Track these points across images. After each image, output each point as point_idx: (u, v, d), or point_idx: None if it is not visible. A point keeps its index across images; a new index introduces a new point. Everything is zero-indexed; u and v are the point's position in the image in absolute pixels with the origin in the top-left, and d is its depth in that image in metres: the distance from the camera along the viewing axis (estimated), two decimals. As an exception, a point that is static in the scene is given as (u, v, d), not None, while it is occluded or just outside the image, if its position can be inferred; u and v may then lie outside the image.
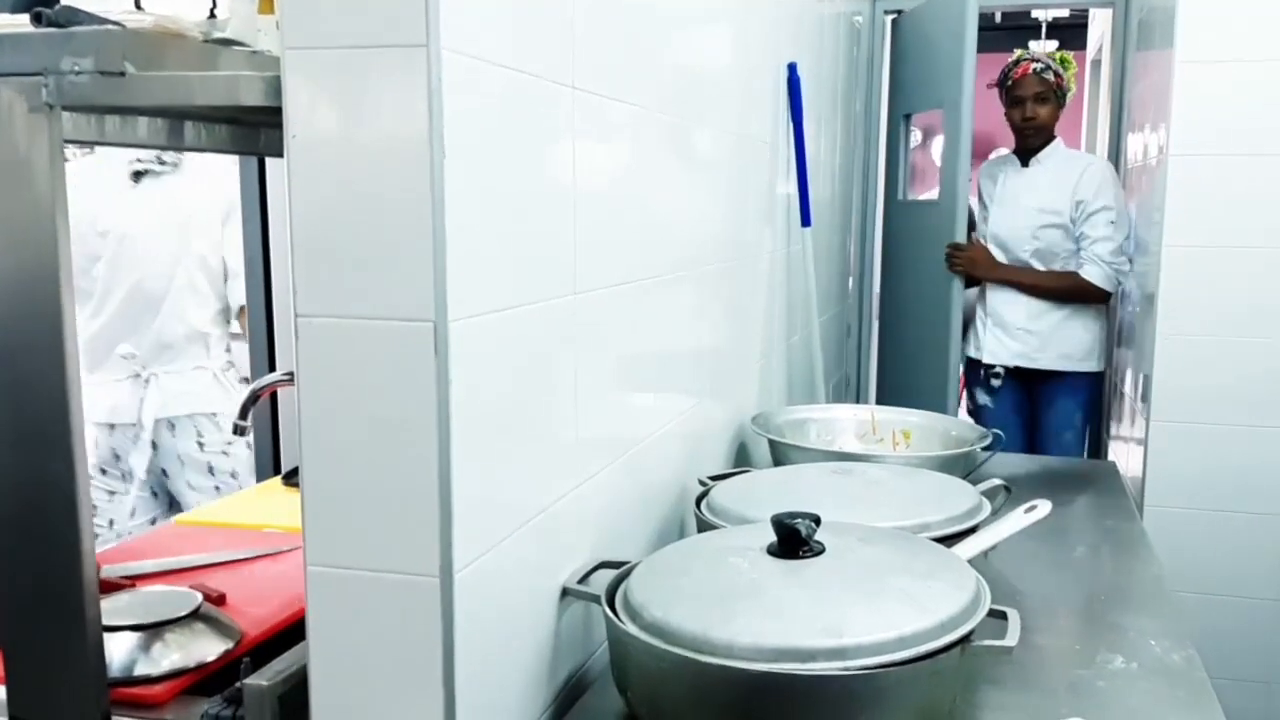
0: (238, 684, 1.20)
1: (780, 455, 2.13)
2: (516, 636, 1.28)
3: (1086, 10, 4.62)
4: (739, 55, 2.23)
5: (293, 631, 1.40)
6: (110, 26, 1.09)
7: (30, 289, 1.13)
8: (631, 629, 1.24)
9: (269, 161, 2.45)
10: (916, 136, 4.35)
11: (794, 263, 2.83)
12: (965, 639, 1.19)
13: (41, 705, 1.20)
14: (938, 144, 4.10)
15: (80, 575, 1.16)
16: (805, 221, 2.79)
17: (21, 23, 1.13)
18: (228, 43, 1.25)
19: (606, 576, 1.40)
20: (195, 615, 1.36)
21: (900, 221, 4.20)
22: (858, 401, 4.20)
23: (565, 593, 1.39)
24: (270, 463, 2.43)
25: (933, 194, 4.06)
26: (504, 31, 1.16)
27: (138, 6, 1.21)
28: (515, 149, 1.21)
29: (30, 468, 1.17)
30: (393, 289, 1.05)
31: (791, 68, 2.60)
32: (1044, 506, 1.56)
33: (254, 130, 1.68)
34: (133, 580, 1.54)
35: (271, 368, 2.48)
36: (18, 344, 1.15)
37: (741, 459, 2.32)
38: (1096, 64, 4.79)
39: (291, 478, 2.08)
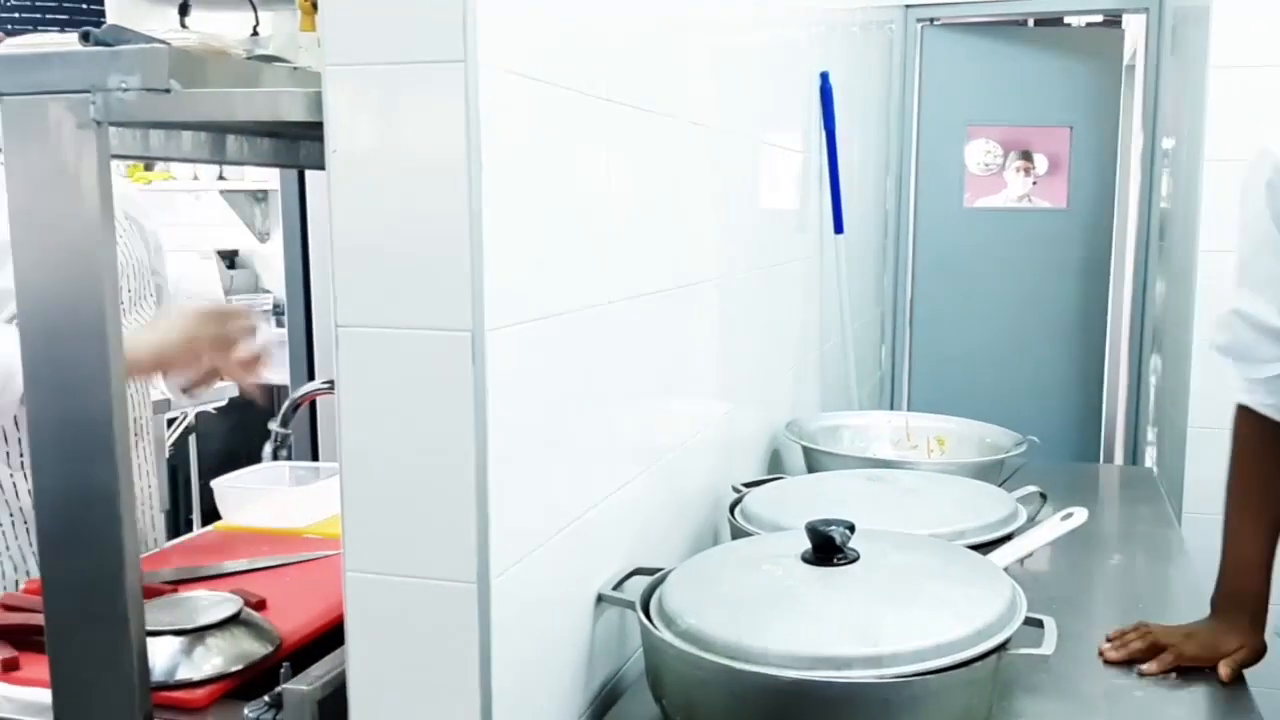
0: (278, 689, 1.22)
1: (814, 462, 2.14)
2: (552, 642, 1.29)
3: (1119, 15, 4.59)
4: (771, 65, 2.24)
5: (331, 636, 1.42)
6: (156, 45, 1.11)
7: (77, 298, 1.16)
8: (667, 636, 1.25)
9: (309, 174, 2.48)
10: (991, 147, 4.35)
11: (827, 270, 2.83)
12: (1001, 647, 1.20)
13: (86, 708, 1.22)
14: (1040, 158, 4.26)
15: (124, 580, 1.19)
16: (838, 229, 2.80)
17: (70, 41, 1.15)
18: (269, 59, 1.28)
19: (641, 583, 1.41)
20: (236, 620, 1.38)
21: (966, 228, 4.24)
22: (892, 407, 4.19)
23: (600, 599, 1.40)
24: (309, 470, 2.45)
25: (1035, 203, 4.16)
26: (539, 46, 1.18)
27: (183, 25, 1.23)
28: (549, 161, 1.23)
29: (75, 473, 1.19)
30: (431, 299, 1.07)
31: (824, 76, 2.61)
32: (1080, 514, 1.56)
33: (294, 144, 1.71)
34: (174, 585, 1.56)
35: (310, 376, 2.51)
36: (64, 352, 1.17)
37: (775, 466, 2.33)
38: (1130, 69, 4.76)
39: (329, 485, 2.10)
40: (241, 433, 4.43)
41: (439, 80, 1.04)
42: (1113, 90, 4.24)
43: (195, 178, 4.91)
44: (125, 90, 1.10)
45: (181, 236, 5.05)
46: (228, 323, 1.74)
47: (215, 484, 2.04)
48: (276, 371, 2.97)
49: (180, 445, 4.14)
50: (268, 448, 4.81)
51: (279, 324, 4.49)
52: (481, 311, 1.07)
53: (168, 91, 1.10)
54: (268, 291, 5.09)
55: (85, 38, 1.13)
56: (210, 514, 4.21)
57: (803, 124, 2.51)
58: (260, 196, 5.11)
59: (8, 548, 1.83)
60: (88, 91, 1.11)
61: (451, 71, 1.03)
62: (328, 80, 1.06)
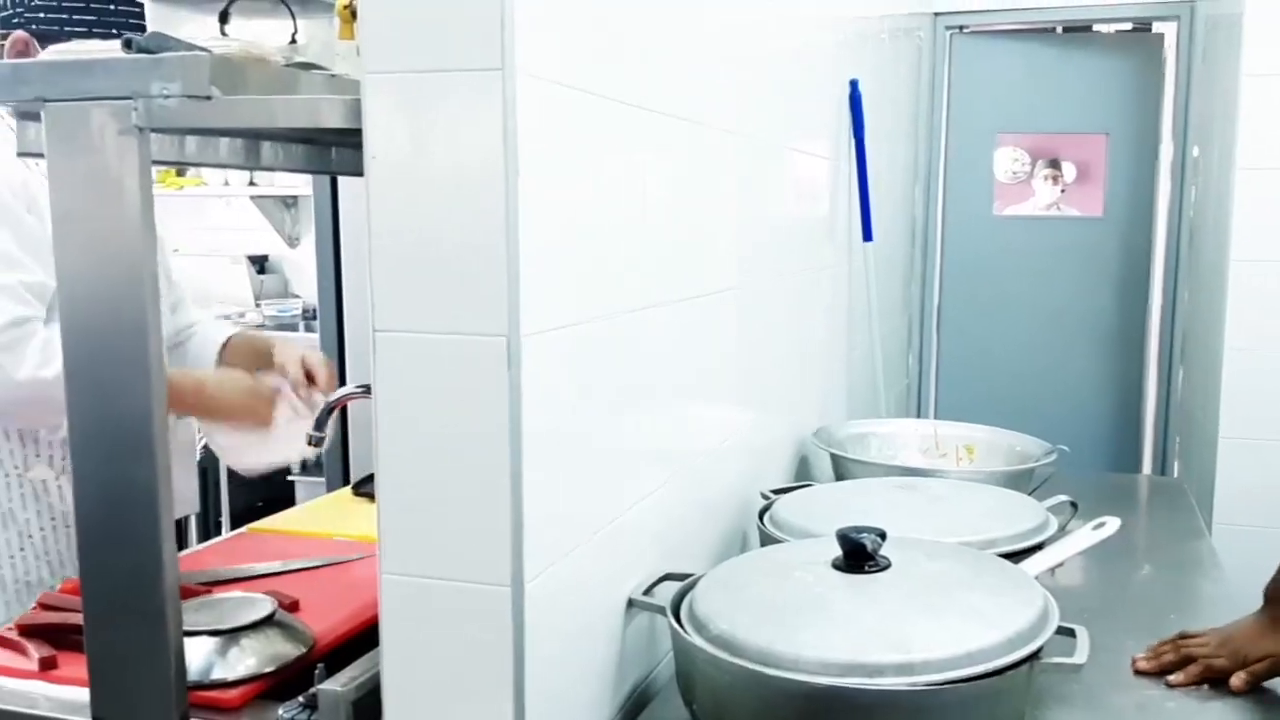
0: (313, 689, 1.23)
1: (842, 470, 2.14)
2: (584, 646, 1.30)
3: (1150, 23, 4.56)
4: (802, 73, 2.24)
5: (363, 638, 1.43)
6: (198, 52, 1.13)
7: (118, 301, 1.18)
8: (697, 641, 1.25)
9: (341, 179, 2.49)
10: (1019, 155, 4.34)
11: (855, 277, 2.83)
12: (1034, 656, 1.19)
13: (123, 707, 1.24)
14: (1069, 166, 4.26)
15: (162, 579, 1.20)
16: (867, 236, 2.80)
17: (113, 49, 1.17)
18: (307, 66, 1.29)
19: (671, 588, 1.42)
20: (270, 621, 1.39)
21: (995, 237, 4.24)
22: (918, 414, 4.18)
23: (631, 604, 1.41)
24: (340, 473, 2.46)
25: (1063, 211, 4.19)
26: (573, 54, 1.18)
27: (223, 33, 1.25)
28: (583, 167, 1.23)
29: (115, 473, 1.21)
30: (467, 304, 1.08)
31: (853, 84, 2.61)
32: (1113, 523, 1.55)
33: (327, 150, 1.73)
34: (208, 586, 1.58)
35: (342, 381, 2.52)
36: (105, 354, 1.19)
37: (803, 473, 2.33)
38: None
39: (360, 487, 2.11)
40: (270, 437, 4.46)
41: (477, 88, 1.05)
42: (1152, 96, 4.17)
43: (226, 183, 4.94)
44: (167, 97, 1.12)
45: (212, 241, 5.09)
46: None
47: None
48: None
49: (209, 449, 4.16)
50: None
51: (309, 329, 4.52)
52: (517, 317, 1.08)
53: (209, 98, 1.12)
54: (297, 296, 5.11)
55: (128, 45, 1.15)
56: (238, 517, 4.25)
57: (832, 131, 2.51)
58: (290, 202, 5.15)
59: (47, 551, 1.85)
60: (130, 98, 1.13)
61: (489, 79, 1.04)
62: (367, 88, 1.07)
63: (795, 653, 1.17)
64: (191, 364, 2.02)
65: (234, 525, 4.05)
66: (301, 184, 4.63)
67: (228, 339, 2.05)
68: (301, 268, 5.13)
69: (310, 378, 1.87)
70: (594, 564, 1.30)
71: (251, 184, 4.90)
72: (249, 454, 1.87)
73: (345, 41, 1.26)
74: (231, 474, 4.42)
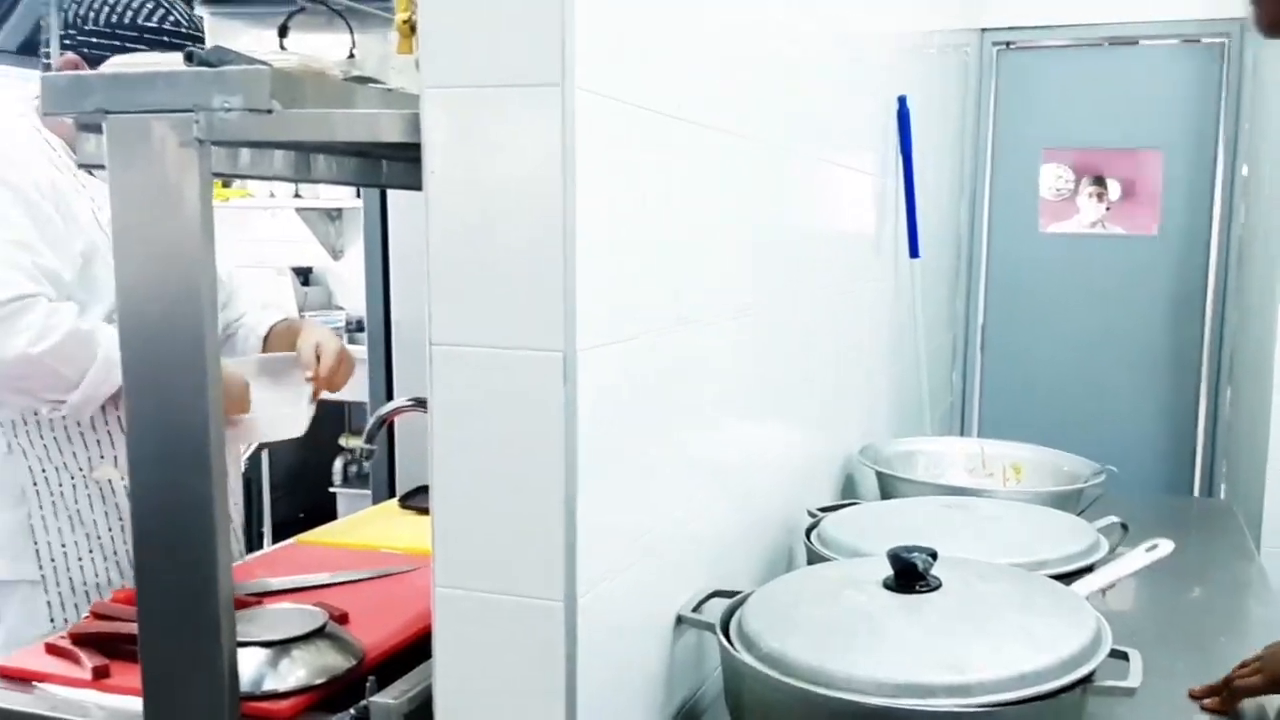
0: (364, 702, 1.24)
1: (888, 488, 2.13)
2: (634, 662, 1.30)
3: (1198, 39, 4.52)
4: (851, 89, 2.24)
5: (411, 651, 1.43)
6: (259, 66, 1.14)
7: (177, 312, 1.18)
8: (747, 659, 1.24)
9: (390, 192, 2.51)
10: (1062, 171, 4.30)
11: (901, 293, 2.82)
12: (1087, 679, 1.18)
13: (176, 717, 1.24)
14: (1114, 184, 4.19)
15: (217, 588, 1.21)
16: (913, 253, 2.78)
17: (175, 62, 1.18)
18: (363, 80, 1.30)
19: (719, 605, 1.41)
20: (321, 633, 1.39)
21: (1041, 253, 4.21)
22: (962, 433, 4.15)
23: (680, 620, 1.40)
24: (385, 484, 2.48)
25: (1108, 229, 4.15)
26: (629, 70, 1.19)
27: (282, 47, 1.26)
28: (638, 183, 1.24)
29: (172, 483, 1.21)
30: (524, 319, 1.08)
31: (901, 100, 2.60)
32: (1166, 545, 1.53)
33: (378, 163, 1.74)
34: (258, 597, 1.59)
35: (389, 392, 2.53)
36: (164, 363, 1.20)
37: (848, 490, 2.32)
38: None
39: (407, 500, 2.12)
40: (313, 449, 4.50)
41: (536, 103, 1.05)
42: (1209, 110, 4.04)
43: (272, 195, 4.99)
44: (228, 110, 1.13)
45: (257, 253, 5.13)
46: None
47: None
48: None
49: (253, 460, 4.20)
50: (339, 463, 4.88)
51: (352, 340, 4.55)
52: (574, 332, 1.08)
53: (269, 112, 1.12)
54: (341, 308, 5.15)
55: (190, 58, 1.16)
56: (279, 527, 4.28)
57: (879, 147, 2.51)
58: (335, 214, 5.18)
59: (115, 552, 1.87)
60: (191, 110, 1.14)
61: (548, 94, 1.05)
62: (426, 102, 1.08)
63: (848, 672, 1.16)
64: (239, 354, 2.05)
65: (276, 536, 4.09)
66: (346, 196, 4.66)
67: (270, 328, 2.10)
68: (346, 280, 5.16)
69: (319, 360, 1.90)
70: (644, 580, 1.30)
71: (297, 196, 4.94)
72: (247, 431, 1.90)
73: (402, 56, 1.27)
74: (274, 485, 4.46)
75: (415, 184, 1.11)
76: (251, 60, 1.17)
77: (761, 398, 1.75)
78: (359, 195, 3.79)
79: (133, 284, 1.20)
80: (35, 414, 1.81)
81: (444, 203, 1.09)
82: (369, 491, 3.62)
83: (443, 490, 1.13)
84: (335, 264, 5.25)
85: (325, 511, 4.20)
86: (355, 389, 2.99)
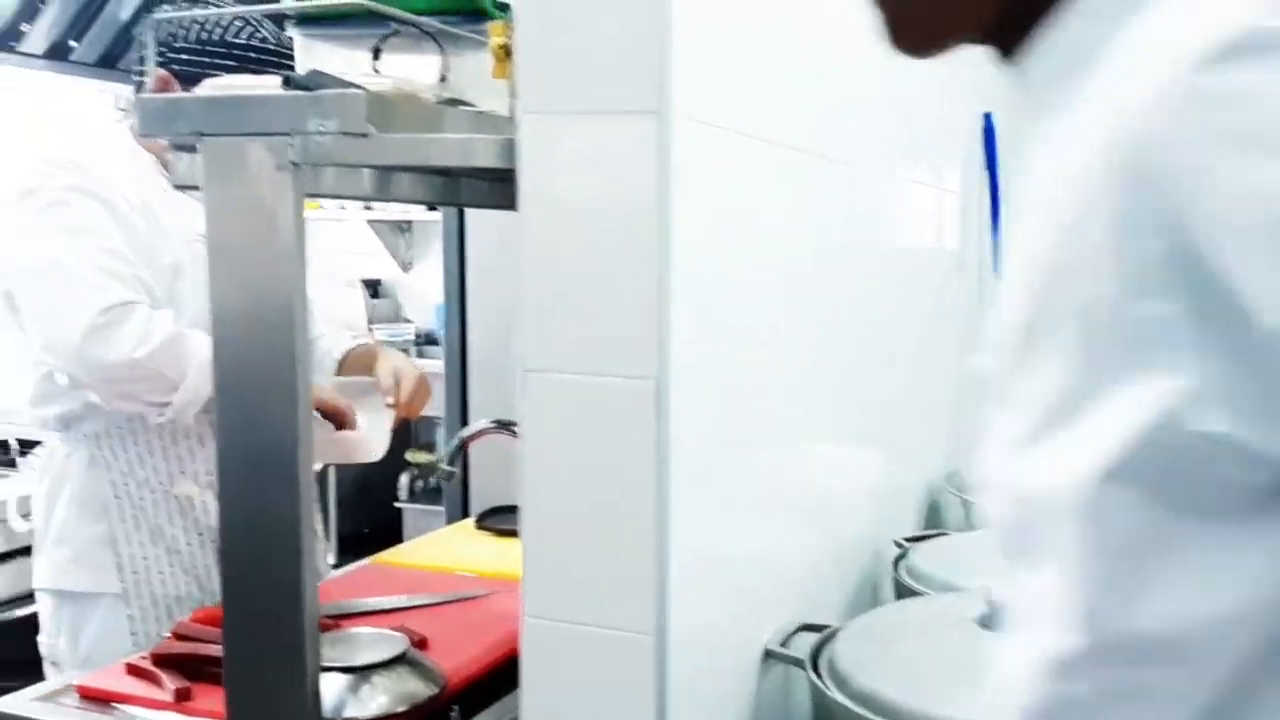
0: (449, 731, 1.22)
1: (978, 517, 2.07)
2: (723, 698, 1.27)
3: None
4: (936, 107, 2.19)
5: (492, 679, 1.42)
6: (354, 90, 1.13)
7: (270, 331, 1.18)
8: (839, 697, 1.21)
9: (469, 212, 2.51)
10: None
11: (986, 311, 2.76)
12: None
13: (259, 740, 1.24)
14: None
15: (303, 611, 1.20)
16: (998, 269, 2.73)
17: (272, 85, 1.18)
18: (454, 102, 1.29)
19: (807, 639, 1.38)
20: (402, 659, 1.38)
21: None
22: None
23: (768, 655, 1.37)
24: (459, 504, 2.47)
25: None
26: (724, 95, 1.17)
27: (375, 71, 1.25)
28: (731, 208, 1.22)
29: (261, 502, 1.21)
30: (618, 346, 1.06)
31: (987, 117, 2.55)
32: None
33: (457, 181, 1.73)
34: (336, 620, 1.57)
35: (463, 410, 2.52)
36: (256, 382, 1.19)
37: (933, 519, 2.26)
38: None
39: (484, 520, 2.10)
40: (378, 464, 4.49)
41: (633, 130, 1.04)
42: None
43: (342, 207, 5.01)
44: (323, 134, 1.12)
45: (327, 264, 5.16)
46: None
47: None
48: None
49: (319, 475, 4.20)
50: (404, 478, 4.86)
51: (420, 354, 4.56)
52: (667, 359, 1.06)
53: (365, 135, 1.12)
54: (409, 321, 5.17)
55: (286, 82, 1.16)
56: (345, 542, 4.27)
57: (963, 164, 2.46)
58: (404, 227, 5.21)
59: (195, 566, 1.88)
60: (287, 134, 1.14)
61: (646, 122, 1.03)
62: (522, 127, 1.07)
63: (946, 714, 1.12)
64: (315, 375, 2.06)
65: (341, 550, 4.09)
66: (417, 209, 4.67)
67: (346, 352, 2.08)
68: (414, 292, 5.18)
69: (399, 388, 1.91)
70: (733, 612, 1.27)
71: (367, 208, 4.96)
72: (328, 451, 1.93)
73: (496, 80, 1.25)
74: (341, 501, 4.47)
75: (493, 203, 1.11)
76: (346, 84, 1.16)
77: (845, 422, 1.71)
78: (433, 208, 3.80)
79: (227, 303, 1.19)
80: (133, 420, 1.83)
81: (538, 228, 1.07)
82: (436, 508, 3.60)
83: (533, 519, 1.11)
84: (404, 276, 5.28)
85: (391, 527, 4.20)
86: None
